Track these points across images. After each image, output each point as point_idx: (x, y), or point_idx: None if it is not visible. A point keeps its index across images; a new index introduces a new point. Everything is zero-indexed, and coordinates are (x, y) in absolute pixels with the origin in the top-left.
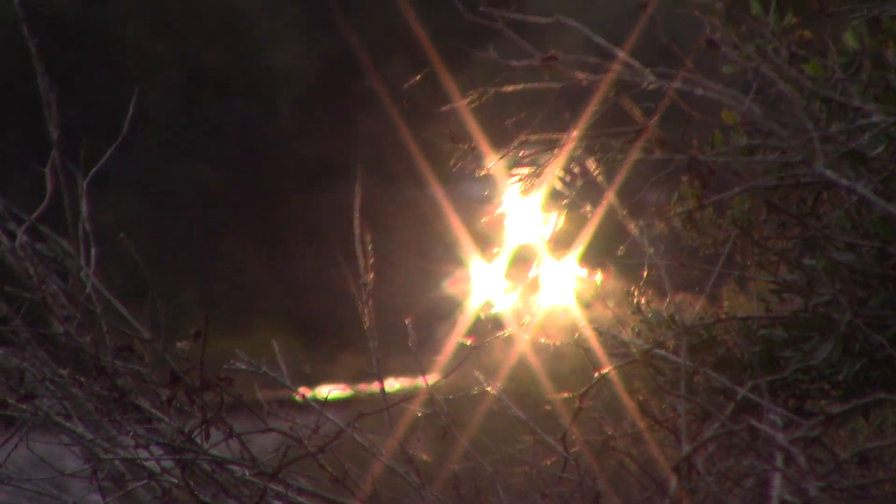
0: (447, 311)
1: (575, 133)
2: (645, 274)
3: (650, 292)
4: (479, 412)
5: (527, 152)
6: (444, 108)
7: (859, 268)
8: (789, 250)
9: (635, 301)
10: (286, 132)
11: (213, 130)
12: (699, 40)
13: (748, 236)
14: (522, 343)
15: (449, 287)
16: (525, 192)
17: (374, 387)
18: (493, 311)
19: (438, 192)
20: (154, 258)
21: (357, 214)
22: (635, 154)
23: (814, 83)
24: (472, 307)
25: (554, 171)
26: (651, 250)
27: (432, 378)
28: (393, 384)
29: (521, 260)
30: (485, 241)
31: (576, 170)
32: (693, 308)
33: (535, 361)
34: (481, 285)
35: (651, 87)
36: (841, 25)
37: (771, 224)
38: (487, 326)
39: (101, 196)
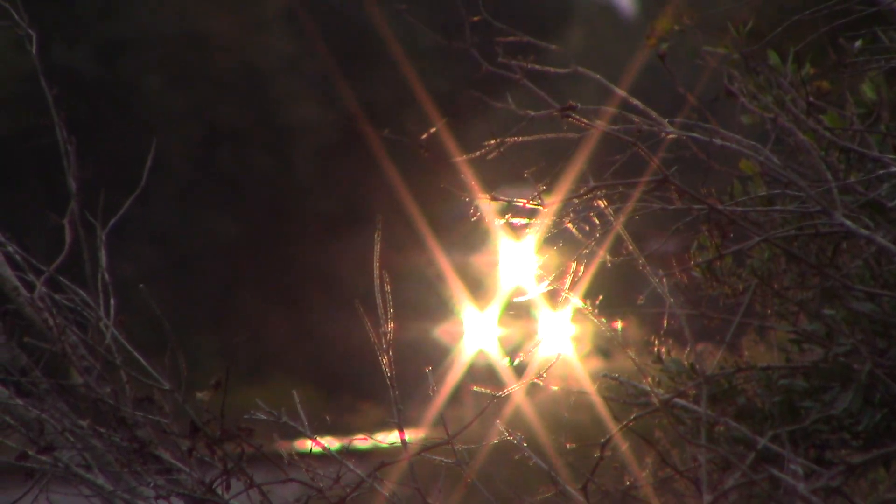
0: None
1: (593, 183)
2: (665, 323)
3: (670, 342)
4: (500, 462)
5: (533, 197)
6: (459, 159)
7: (879, 318)
8: (809, 300)
9: (656, 350)
10: (304, 185)
11: (232, 183)
12: (718, 91)
13: (768, 286)
14: (544, 392)
15: (441, 335)
16: (531, 236)
17: (395, 437)
18: (517, 359)
19: (435, 244)
20: (173, 309)
21: (377, 264)
22: (654, 204)
23: (832, 134)
24: (464, 354)
25: (569, 219)
26: (671, 300)
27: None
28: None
29: (516, 306)
30: (478, 288)
31: (595, 220)
32: (713, 358)
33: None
34: (474, 333)
35: (669, 137)
36: (858, 76)
37: (790, 274)
38: (508, 375)
39: (119, 247)
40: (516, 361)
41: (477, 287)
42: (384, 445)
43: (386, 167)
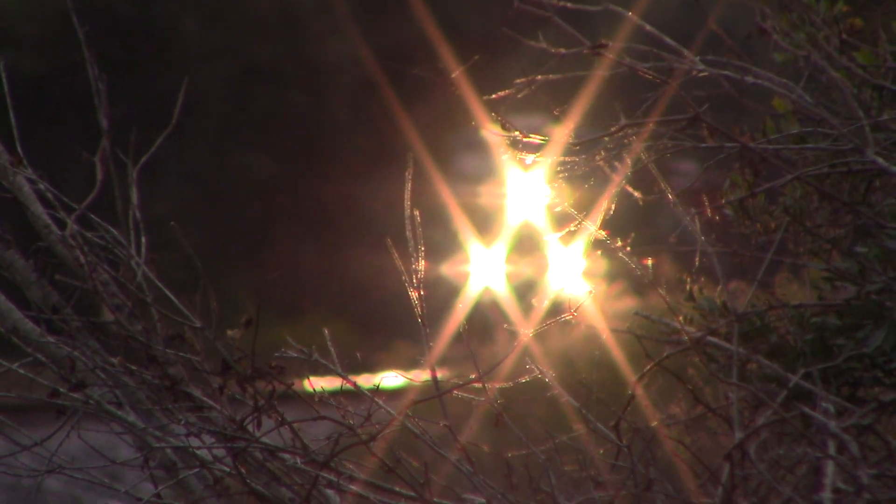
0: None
1: (624, 121)
2: (697, 261)
3: (702, 280)
4: (533, 400)
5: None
6: (493, 97)
7: None
8: (841, 238)
9: (688, 288)
10: (338, 122)
11: (266, 121)
12: (751, 29)
13: (800, 224)
14: (578, 330)
15: (447, 271)
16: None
17: (427, 375)
18: (550, 297)
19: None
20: (207, 248)
21: (408, 202)
22: (686, 142)
23: (865, 71)
24: (471, 291)
25: (600, 157)
26: (702, 238)
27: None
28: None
29: (525, 241)
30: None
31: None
32: (745, 296)
33: (589, 349)
34: (481, 269)
35: (702, 75)
36: (891, 13)
37: (823, 212)
38: (517, 313)
39: (153, 186)
40: (544, 302)
41: (484, 221)
42: (416, 383)
43: (418, 105)
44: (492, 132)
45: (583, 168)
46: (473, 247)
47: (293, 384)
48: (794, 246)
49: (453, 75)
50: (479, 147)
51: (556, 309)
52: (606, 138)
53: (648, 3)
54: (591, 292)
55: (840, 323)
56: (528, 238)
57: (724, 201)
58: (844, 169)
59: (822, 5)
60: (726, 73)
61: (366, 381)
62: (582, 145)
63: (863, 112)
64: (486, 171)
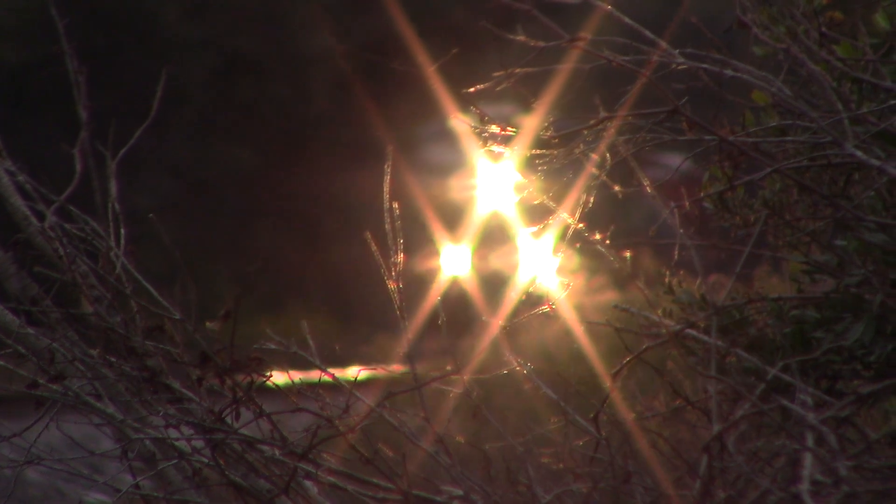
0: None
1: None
2: (676, 255)
3: (682, 273)
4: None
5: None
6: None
7: (891, 248)
8: (821, 231)
9: (667, 281)
10: (320, 114)
11: (247, 112)
12: (730, 22)
13: (779, 217)
14: (556, 324)
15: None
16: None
17: (407, 368)
18: (525, 289)
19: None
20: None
21: (387, 195)
22: (665, 135)
23: (844, 64)
24: (440, 283)
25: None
26: (682, 231)
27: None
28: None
29: (494, 231)
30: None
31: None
32: (725, 289)
33: (569, 342)
34: (452, 262)
35: (681, 68)
36: (871, 7)
37: (802, 205)
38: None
39: (133, 178)
40: (519, 294)
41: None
42: (395, 375)
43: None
44: (470, 124)
45: (561, 161)
46: (444, 240)
47: (272, 376)
48: (773, 239)
49: (431, 68)
50: (453, 139)
51: (533, 301)
52: (585, 131)
53: None
54: (568, 285)
55: (819, 316)
56: (499, 230)
57: (703, 194)
58: (824, 162)
59: None
60: (706, 66)
61: (340, 374)
62: (561, 138)
63: (842, 105)
64: (459, 163)
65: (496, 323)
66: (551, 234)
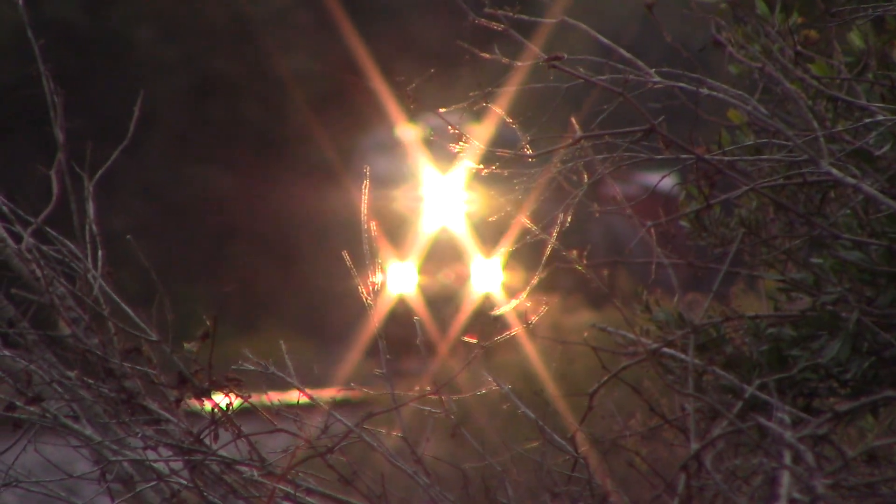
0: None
1: (580, 133)
2: (653, 273)
3: (658, 291)
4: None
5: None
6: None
7: (867, 266)
8: (797, 249)
9: (644, 300)
10: (295, 135)
11: (222, 134)
12: (706, 40)
13: (756, 235)
14: (533, 343)
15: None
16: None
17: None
18: (498, 310)
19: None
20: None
21: (365, 214)
22: (641, 154)
23: (819, 82)
24: (384, 300)
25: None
26: (659, 250)
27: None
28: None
29: (442, 247)
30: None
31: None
32: (701, 307)
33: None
34: (397, 278)
35: (657, 86)
36: (846, 25)
37: (778, 223)
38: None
39: (110, 200)
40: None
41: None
42: (373, 395)
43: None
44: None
45: (538, 179)
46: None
47: (250, 397)
48: (749, 257)
49: (406, 88)
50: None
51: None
52: (562, 150)
53: (604, 17)
54: (544, 304)
55: (795, 334)
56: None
57: (679, 213)
58: (800, 180)
59: (776, 17)
60: (682, 84)
61: (317, 394)
62: (537, 157)
63: (818, 123)
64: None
65: (473, 342)
66: (513, 250)
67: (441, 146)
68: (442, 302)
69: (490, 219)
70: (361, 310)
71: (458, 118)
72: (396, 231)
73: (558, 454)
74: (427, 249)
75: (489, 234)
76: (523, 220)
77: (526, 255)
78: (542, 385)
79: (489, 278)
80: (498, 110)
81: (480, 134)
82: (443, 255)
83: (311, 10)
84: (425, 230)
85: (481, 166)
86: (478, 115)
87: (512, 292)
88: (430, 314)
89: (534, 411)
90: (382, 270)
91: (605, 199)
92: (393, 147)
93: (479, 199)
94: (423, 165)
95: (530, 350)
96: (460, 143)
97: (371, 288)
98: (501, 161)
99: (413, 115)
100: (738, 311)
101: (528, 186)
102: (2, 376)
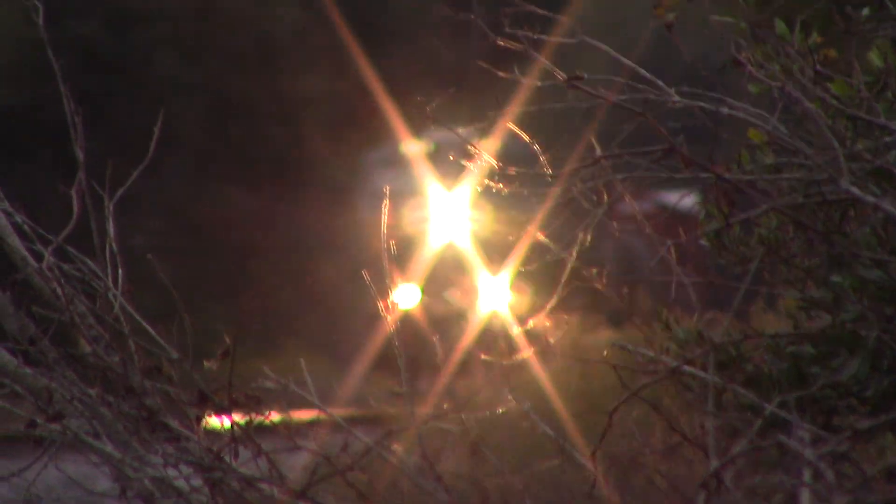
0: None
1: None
2: (673, 292)
3: (678, 310)
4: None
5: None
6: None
7: (886, 284)
8: (816, 267)
9: (664, 319)
10: (313, 155)
11: (242, 154)
12: (725, 60)
13: (775, 254)
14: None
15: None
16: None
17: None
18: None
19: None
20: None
21: (384, 232)
22: (661, 173)
23: (839, 102)
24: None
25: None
26: (679, 268)
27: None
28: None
29: (448, 263)
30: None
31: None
32: (721, 326)
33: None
34: (406, 293)
35: (677, 106)
36: (865, 44)
37: (798, 241)
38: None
39: (130, 219)
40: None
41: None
42: (393, 413)
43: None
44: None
45: (559, 199)
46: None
47: (269, 415)
48: (769, 276)
49: (429, 108)
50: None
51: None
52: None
53: (624, 37)
54: (568, 323)
55: (815, 352)
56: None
57: (699, 232)
58: (819, 199)
59: (796, 36)
60: (701, 104)
61: (338, 412)
62: (557, 177)
63: (837, 142)
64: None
65: (492, 361)
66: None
67: (446, 162)
68: (447, 321)
69: (499, 237)
70: (370, 327)
71: (465, 134)
72: (403, 249)
73: (578, 472)
74: (432, 267)
75: (496, 252)
76: (541, 238)
77: (537, 274)
78: (560, 403)
79: (496, 297)
80: (518, 130)
81: (489, 150)
82: (448, 272)
83: (330, 30)
84: (431, 248)
85: (497, 183)
86: (483, 132)
87: (520, 312)
88: (436, 333)
89: (553, 429)
90: (396, 288)
91: (620, 216)
92: (399, 162)
93: (486, 216)
94: (429, 181)
95: (546, 369)
96: (472, 160)
97: (389, 306)
98: (518, 178)
99: (419, 132)
100: (758, 329)
101: (543, 205)
102: (23, 394)
